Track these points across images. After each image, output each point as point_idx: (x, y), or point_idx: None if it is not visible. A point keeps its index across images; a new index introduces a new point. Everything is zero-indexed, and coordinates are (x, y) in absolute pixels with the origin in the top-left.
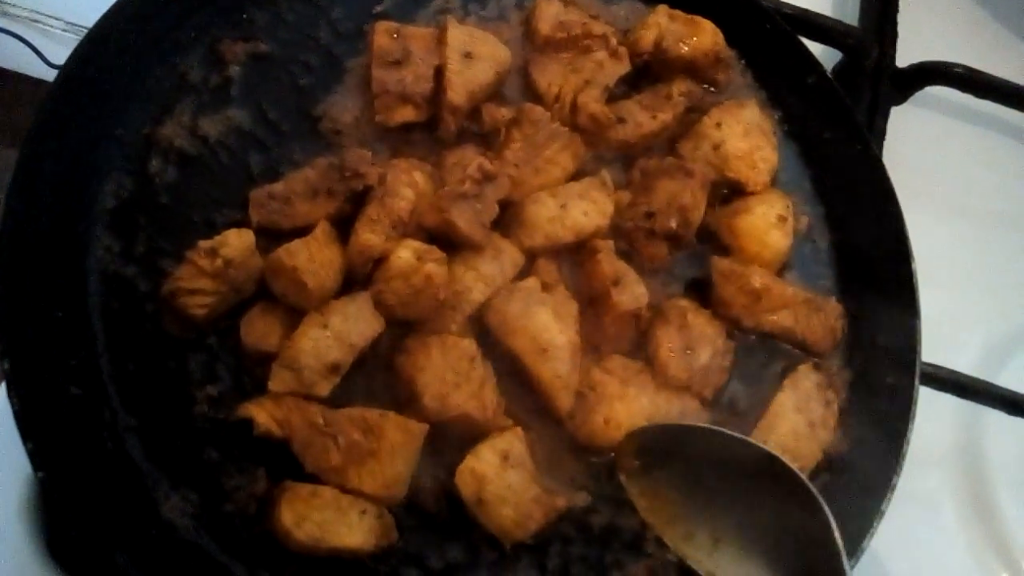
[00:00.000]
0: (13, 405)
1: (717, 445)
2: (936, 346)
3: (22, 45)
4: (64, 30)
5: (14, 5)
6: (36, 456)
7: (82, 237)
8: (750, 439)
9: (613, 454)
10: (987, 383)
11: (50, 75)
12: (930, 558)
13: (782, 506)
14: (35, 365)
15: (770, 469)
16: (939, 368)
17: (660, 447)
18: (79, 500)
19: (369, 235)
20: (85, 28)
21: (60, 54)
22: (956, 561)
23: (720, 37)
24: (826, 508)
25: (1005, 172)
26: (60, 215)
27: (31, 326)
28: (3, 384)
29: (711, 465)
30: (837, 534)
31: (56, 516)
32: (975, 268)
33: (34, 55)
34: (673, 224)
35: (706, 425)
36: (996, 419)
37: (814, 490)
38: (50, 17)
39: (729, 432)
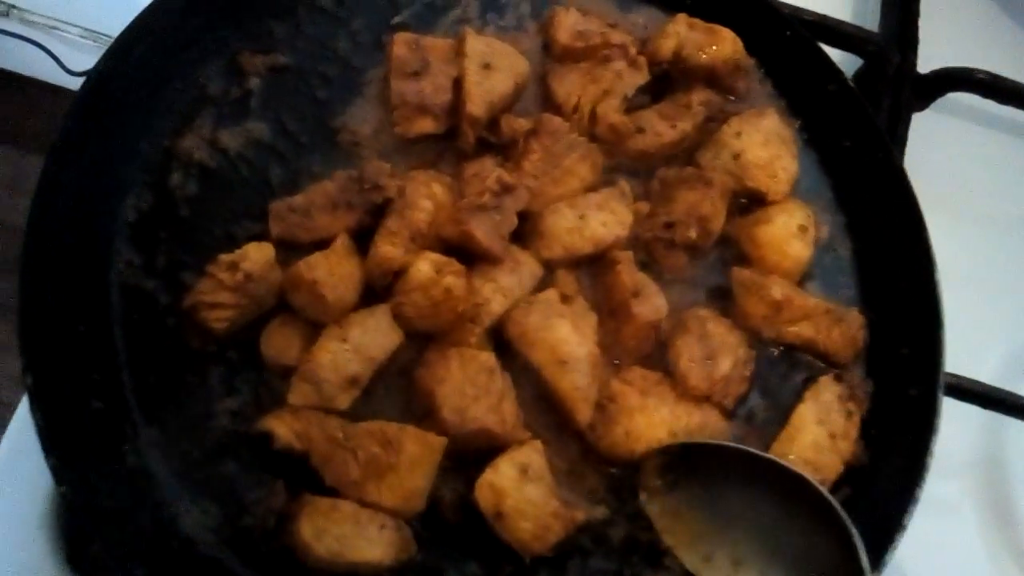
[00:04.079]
0: (36, 420)
1: (741, 463)
2: (959, 356)
3: (40, 52)
4: (82, 36)
5: (32, 12)
6: (58, 470)
7: (103, 251)
8: (776, 458)
9: (635, 471)
10: (1011, 393)
11: (68, 82)
12: (953, 569)
13: (806, 526)
14: (57, 379)
15: (795, 488)
16: (962, 378)
17: (683, 466)
18: (100, 514)
19: (388, 247)
20: (103, 35)
21: (78, 60)
22: (979, 573)
23: (740, 45)
24: (853, 529)
25: None
26: (82, 229)
27: (53, 340)
28: (25, 398)
29: (735, 484)
30: (863, 555)
31: (77, 530)
32: (999, 276)
33: (52, 62)
34: (693, 234)
35: (731, 443)
36: (1020, 430)
37: (842, 511)
38: (68, 24)
39: (754, 451)
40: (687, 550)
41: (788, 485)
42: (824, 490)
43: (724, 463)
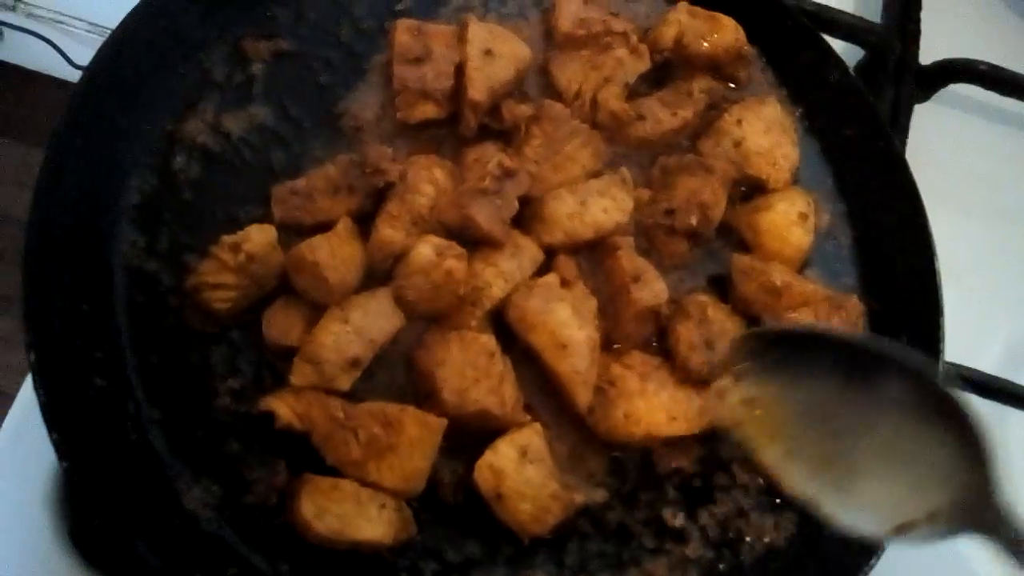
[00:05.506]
0: (39, 396)
1: (847, 355)
2: (958, 345)
3: (46, 46)
4: (88, 31)
5: (39, 6)
6: (61, 446)
7: (107, 233)
8: (893, 351)
9: (635, 453)
10: (1010, 382)
11: (74, 76)
12: (952, 561)
13: (915, 426)
14: (61, 357)
15: (908, 385)
16: (962, 367)
17: (779, 352)
18: (102, 490)
19: (389, 231)
20: (109, 29)
21: (84, 55)
22: (978, 565)
23: (741, 34)
24: (975, 421)
25: None
26: (86, 211)
27: (57, 319)
28: (29, 376)
29: (835, 378)
30: (987, 447)
31: (79, 506)
32: (998, 267)
33: (58, 56)
34: (693, 221)
35: (839, 332)
36: (1019, 419)
37: (963, 403)
38: (74, 18)
39: (870, 342)
40: (768, 446)
41: (894, 379)
42: (947, 388)
43: (824, 352)
